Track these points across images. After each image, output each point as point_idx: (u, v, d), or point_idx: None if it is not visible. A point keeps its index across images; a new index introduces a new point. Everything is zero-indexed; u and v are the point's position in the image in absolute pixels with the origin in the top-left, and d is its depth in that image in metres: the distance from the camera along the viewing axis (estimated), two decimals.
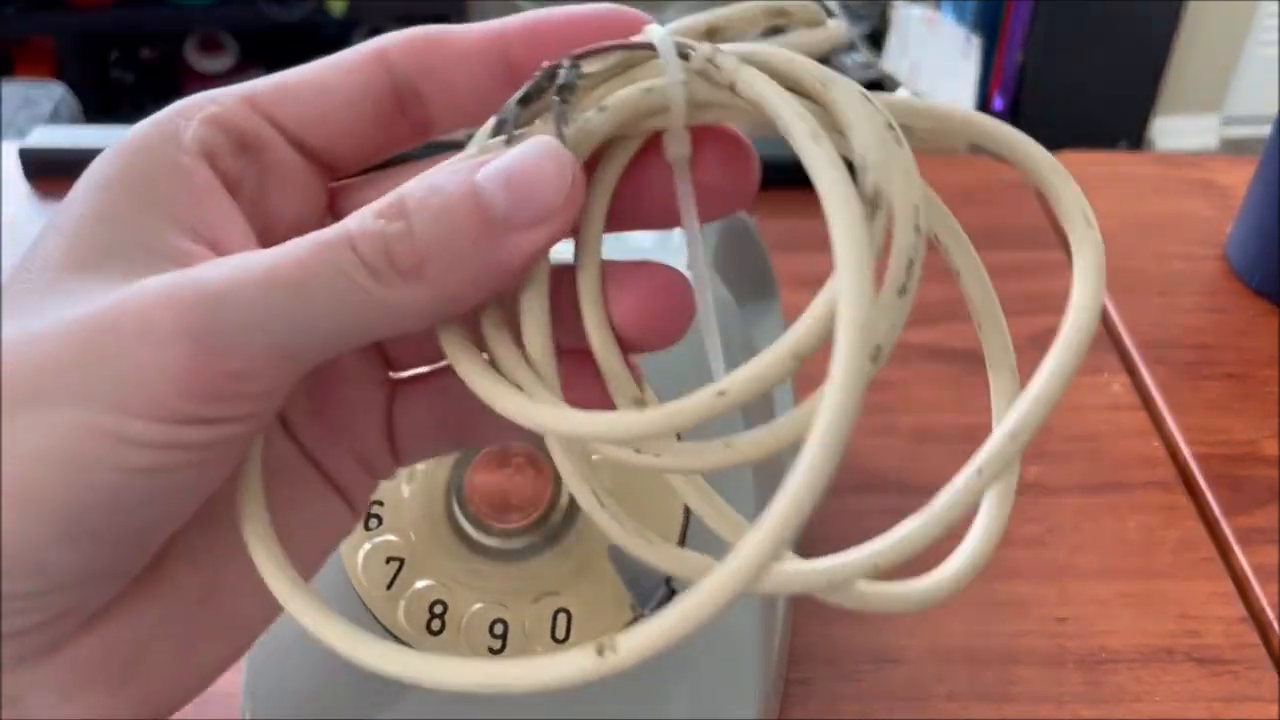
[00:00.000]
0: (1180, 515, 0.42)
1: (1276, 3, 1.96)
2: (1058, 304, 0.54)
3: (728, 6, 0.20)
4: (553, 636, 0.29)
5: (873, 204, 0.18)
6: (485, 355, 0.20)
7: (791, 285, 0.52)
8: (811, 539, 0.40)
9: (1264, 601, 0.39)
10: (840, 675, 0.36)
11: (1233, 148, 2.11)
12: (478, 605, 0.29)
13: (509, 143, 0.19)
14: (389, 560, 0.29)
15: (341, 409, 0.23)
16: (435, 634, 0.29)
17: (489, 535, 0.29)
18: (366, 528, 0.30)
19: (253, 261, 0.18)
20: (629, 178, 0.21)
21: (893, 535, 0.19)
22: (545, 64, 0.19)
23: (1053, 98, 1.96)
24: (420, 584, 0.29)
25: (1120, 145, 2.01)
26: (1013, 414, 0.18)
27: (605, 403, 0.20)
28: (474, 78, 0.21)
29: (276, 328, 0.17)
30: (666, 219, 0.21)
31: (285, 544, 0.20)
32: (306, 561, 0.23)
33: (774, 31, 0.20)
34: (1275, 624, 0.38)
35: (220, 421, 0.18)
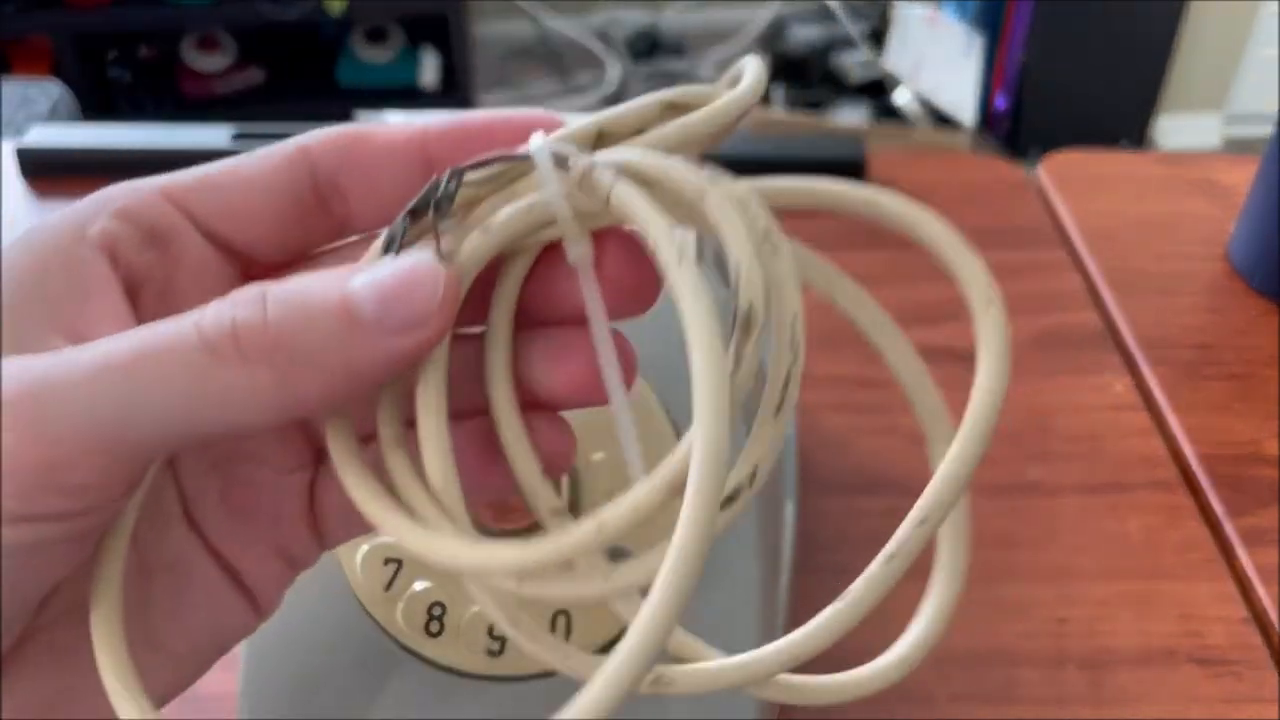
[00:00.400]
0: (1182, 516, 0.42)
1: (1278, 2, 1.96)
2: (1058, 304, 0.54)
3: (620, 107, 0.20)
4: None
5: (745, 325, 0.18)
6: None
7: None
8: (812, 539, 0.40)
9: (1266, 602, 0.38)
10: None
11: (1235, 147, 2.11)
12: (477, 606, 0.29)
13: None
14: (387, 561, 0.29)
15: (255, 496, 0.22)
16: (434, 636, 0.29)
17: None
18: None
19: (95, 347, 0.17)
20: (539, 280, 0.21)
21: (809, 627, 0.19)
22: (434, 177, 0.19)
23: (1054, 96, 1.95)
24: (418, 586, 0.29)
25: (1122, 144, 2.01)
26: (921, 500, 0.18)
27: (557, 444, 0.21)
28: (395, 175, 0.21)
29: (101, 415, 0.17)
30: (581, 318, 0.20)
31: (169, 643, 0.20)
32: (193, 662, 0.22)
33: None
34: (1277, 625, 0.38)
35: (43, 519, 0.17)
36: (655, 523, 0.18)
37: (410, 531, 0.18)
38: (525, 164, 0.19)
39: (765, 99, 1.98)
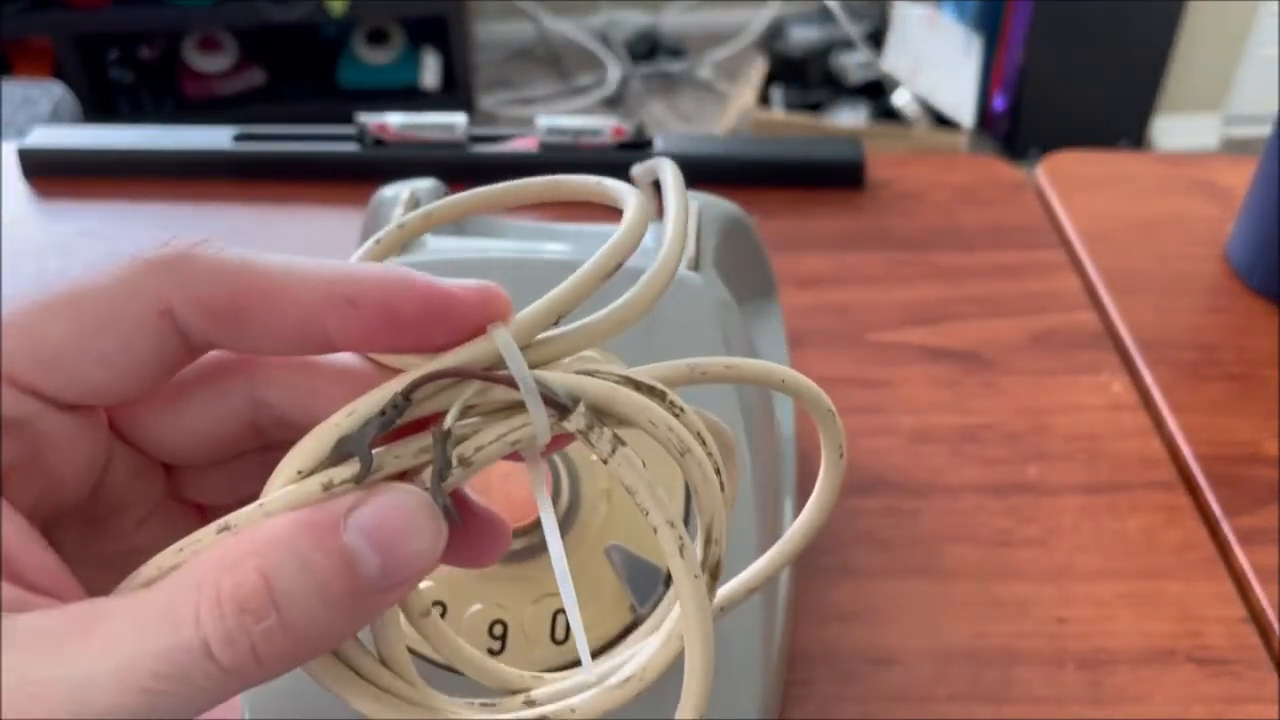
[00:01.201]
0: (1181, 515, 0.42)
1: (1277, 2, 1.96)
2: (1056, 304, 0.55)
3: (571, 281, 0.19)
4: (552, 638, 0.29)
5: (714, 573, 0.21)
6: None
7: (791, 285, 0.52)
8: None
9: (1265, 602, 0.39)
10: (840, 676, 0.36)
11: (1233, 147, 2.11)
12: (477, 606, 0.29)
13: (359, 480, 0.18)
14: None
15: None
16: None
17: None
18: None
19: (97, 685, 0.16)
20: None
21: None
22: (395, 394, 0.18)
23: (1053, 97, 1.95)
24: (420, 585, 0.29)
25: (1121, 145, 2.01)
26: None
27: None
28: (301, 326, 0.19)
29: None
30: None
31: None
32: None
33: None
34: (1276, 625, 0.38)
35: None
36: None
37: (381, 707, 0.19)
38: (503, 389, 0.19)
39: (765, 99, 1.98)
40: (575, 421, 0.18)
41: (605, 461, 0.19)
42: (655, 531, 0.19)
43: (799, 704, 0.35)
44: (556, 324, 0.19)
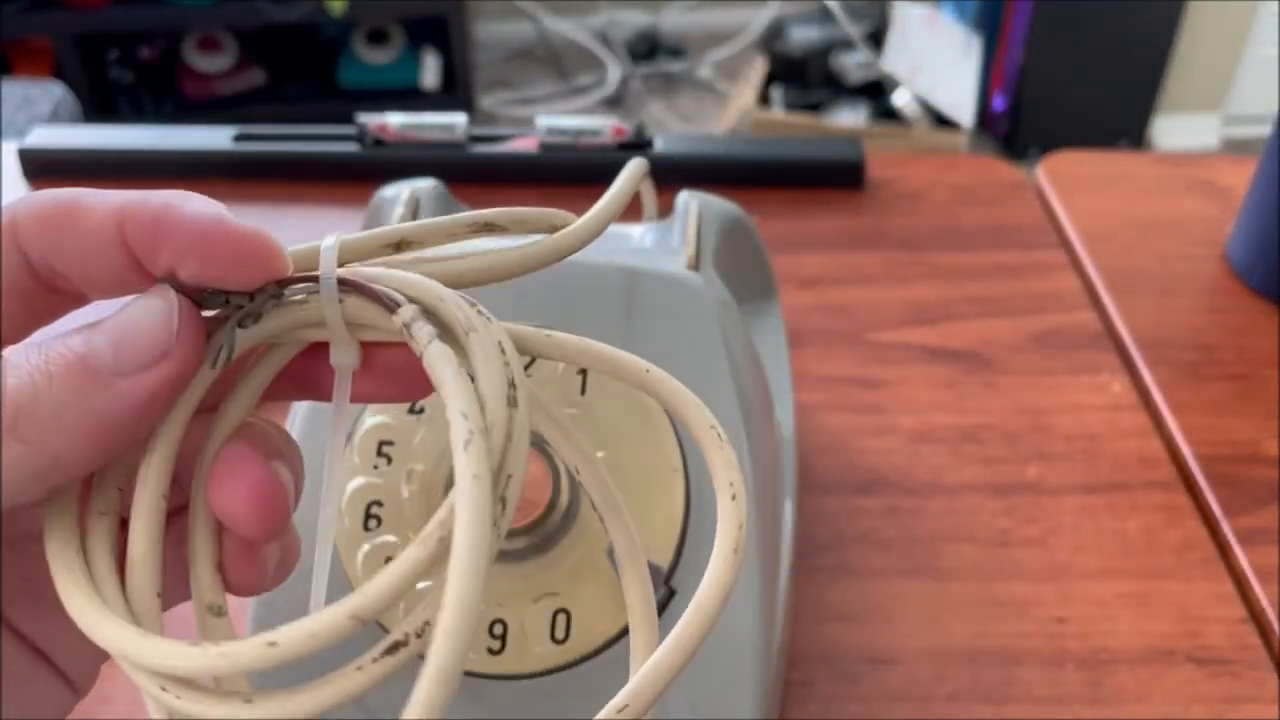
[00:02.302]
0: (1181, 515, 0.42)
1: (1277, 2, 1.96)
2: (1056, 304, 0.55)
3: (433, 220, 0.20)
4: (552, 637, 0.29)
5: (497, 483, 0.18)
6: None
7: (791, 285, 0.52)
8: (810, 538, 0.40)
9: (1264, 602, 0.39)
10: (840, 675, 0.36)
11: (1233, 147, 2.11)
12: None
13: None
14: (388, 560, 0.29)
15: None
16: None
17: None
18: (366, 528, 0.30)
19: None
20: (296, 364, 0.21)
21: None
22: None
23: (1053, 97, 1.95)
24: (419, 585, 0.29)
25: (1121, 145, 2.01)
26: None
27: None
28: (103, 255, 0.19)
29: None
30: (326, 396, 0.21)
31: None
32: None
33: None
34: (1276, 625, 0.38)
35: None
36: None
37: (83, 611, 0.18)
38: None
39: (765, 99, 1.98)
40: (403, 314, 0.19)
41: (420, 355, 0.19)
42: (450, 424, 0.18)
43: (799, 704, 0.35)
44: (399, 252, 0.20)
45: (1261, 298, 0.52)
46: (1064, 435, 0.45)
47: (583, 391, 0.31)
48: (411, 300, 0.19)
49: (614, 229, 0.38)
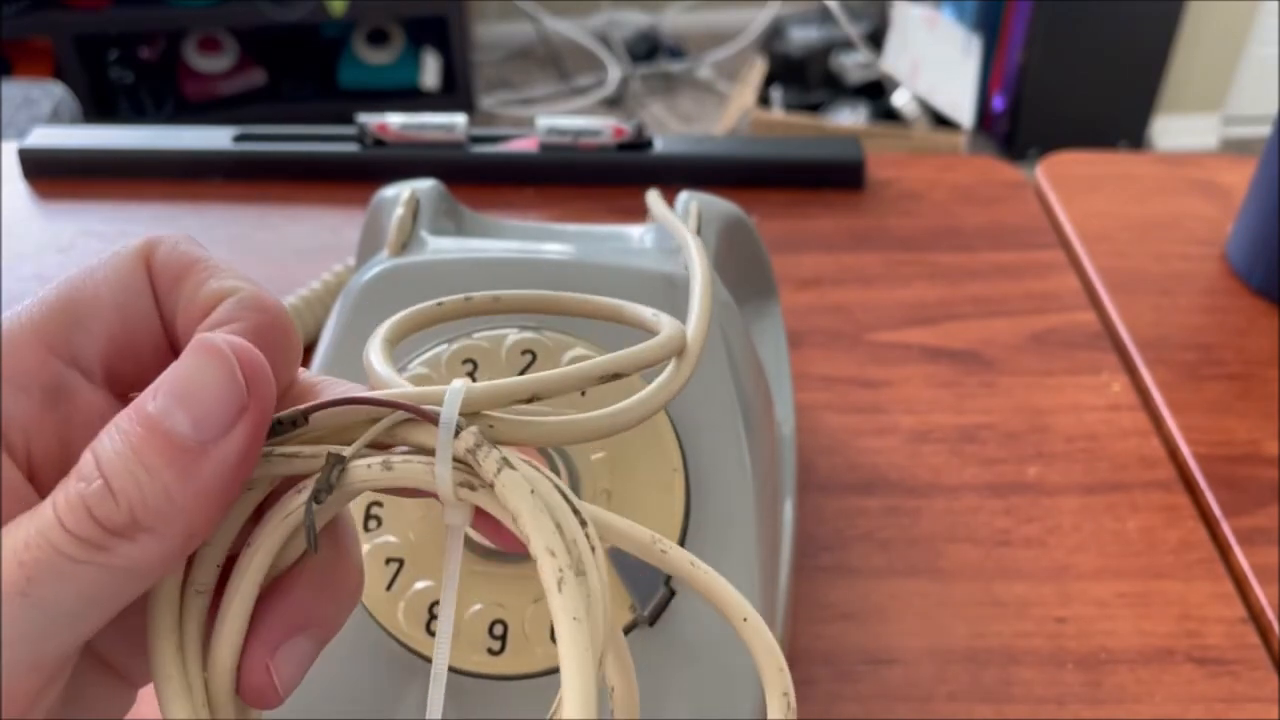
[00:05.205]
0: (1180, 515, 0.42)
1: (1277, 2, 1.96)
2: (1056, 304, 0.55)
3: (561, 371, 0.20)
4: (552, 638, 0.29)
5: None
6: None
7: (791, 285, 0.52)
8: (810, 538, 0.40)
9: (1264, 602, 0.39)
10: (840, 675, 0.36)
11: (1233, 148, 2.11)
12: (477, 606, 0.29)
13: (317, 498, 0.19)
14: (388, 561, 0.29)
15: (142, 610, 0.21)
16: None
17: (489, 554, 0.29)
18: (366, 529, 0.30)
19: None
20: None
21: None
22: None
23: (1053, 97, 1.96)
24: (420, 585, 0.29)
25: (1120, 145, 2.01)
26: None
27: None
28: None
29: (17, 643, 0.16)
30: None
31: None
32: None
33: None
34: (1275, 625, 0.38)
35: None
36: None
37: (172, 702, 0.19)
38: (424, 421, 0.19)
39: (765, 99, 1.98)
40: (465, 440, 0.18)
41: (491, 485, 0.18)
42: (536, 561, 0.18)
43: (799, 704, 0.35)
44: (530, 403, 0.19)
45: (1261, 298, 0.52)
46: (1064, 435, 0.45)
47: (583, 392, 0.31)
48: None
49: (614, 229, 0.38)
